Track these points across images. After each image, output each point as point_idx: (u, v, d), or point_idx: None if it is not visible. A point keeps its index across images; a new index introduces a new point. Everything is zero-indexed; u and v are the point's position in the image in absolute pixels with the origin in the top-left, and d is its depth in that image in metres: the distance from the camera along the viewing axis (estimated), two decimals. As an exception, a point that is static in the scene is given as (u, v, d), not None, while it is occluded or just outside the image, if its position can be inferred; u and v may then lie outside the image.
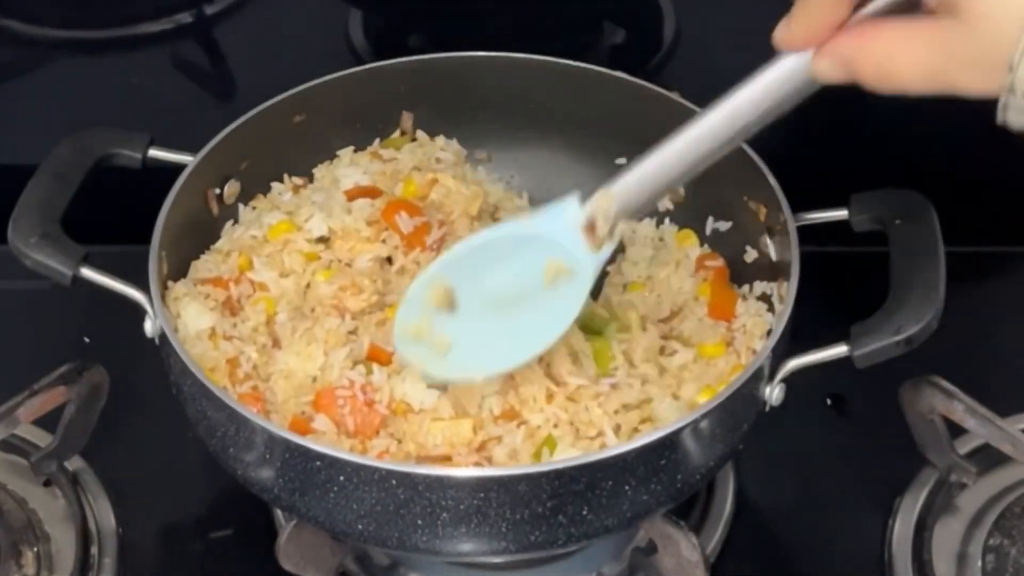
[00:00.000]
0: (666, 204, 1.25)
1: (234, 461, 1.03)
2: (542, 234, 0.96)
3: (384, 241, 1.18)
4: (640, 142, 1.26)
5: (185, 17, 1.44)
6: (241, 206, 1.23)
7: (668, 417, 1.06)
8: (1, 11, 1.43)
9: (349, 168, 1.26)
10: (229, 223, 1.22)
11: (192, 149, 1.17)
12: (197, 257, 1.19)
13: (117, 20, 1.45)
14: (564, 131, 1.29)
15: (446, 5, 1.42)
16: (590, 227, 0.94)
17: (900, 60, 0.77)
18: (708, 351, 1.12)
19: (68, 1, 1.44)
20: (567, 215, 0.95)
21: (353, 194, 1.21)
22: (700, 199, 1.24)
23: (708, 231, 1.23)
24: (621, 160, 1.27)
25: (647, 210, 0.93)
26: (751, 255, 1.19)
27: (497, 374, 1.01)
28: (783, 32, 0.82)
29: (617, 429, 1.04)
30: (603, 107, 1.25)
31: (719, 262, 1.20)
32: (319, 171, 1.27)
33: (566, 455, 1.01)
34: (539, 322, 0.99)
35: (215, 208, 1.21)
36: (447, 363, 1.01)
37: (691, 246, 1.23)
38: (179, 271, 1.16)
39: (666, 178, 0.92)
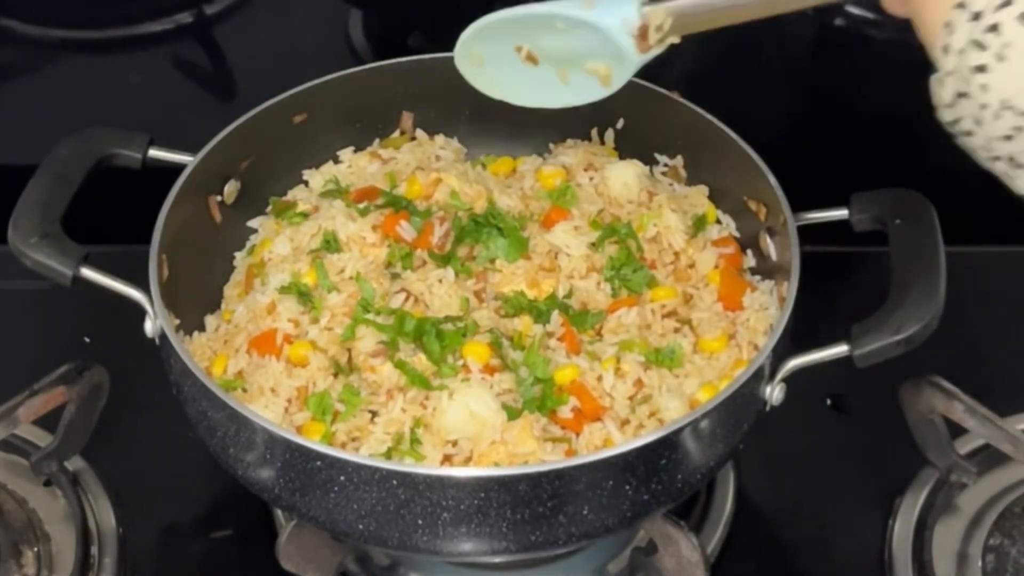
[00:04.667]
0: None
1: (234, 461, 1.03)
2: (597, 23, 1.02)
3: (389, 247, 1.18)
4: (640, 142, 1.26)
5: (185, 17, 1.44)
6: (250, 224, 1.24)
7: (670, 411, 1.06)
8: (1, 11, 1.43)
9: (346, 171, 1.27)
10: (241, 254, 1.23)
11: (192, 149, 1.17)
12: (196, 256, 1.19)
13: (117, 20, 1.45)
14: (564, 131, 1.29)
15: (446, 5, 1.42)
16: (642, 33, 1.00)
17: None
18: (710, 346, 1.12)
19: (68, 1, 1.44)
20: (624, 14, 1.01)
21: (356, 197, 1.21)
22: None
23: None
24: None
25: (695, 30, 1.02)
26: (749, 260, 1.20)
27: (535, 105, 1.13)
28: None
29: (625, 424, 1.05)
30: (603, 107, 1.25)
31: (731, 248, 1.20)
32: (310, 175, 1.27)
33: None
34: (581, 82, 1.09)
35: (217, 216, 1.21)
36: (492, 85, 1.13)
37: (711, 223, 1.23)
38: (179, 271, 1.16)
39: (718, 16, 1.00)
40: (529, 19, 1.06)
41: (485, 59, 1.10)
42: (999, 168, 0.79)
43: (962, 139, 0.80)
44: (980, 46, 0.75)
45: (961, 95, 0.77)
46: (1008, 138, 0.76)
